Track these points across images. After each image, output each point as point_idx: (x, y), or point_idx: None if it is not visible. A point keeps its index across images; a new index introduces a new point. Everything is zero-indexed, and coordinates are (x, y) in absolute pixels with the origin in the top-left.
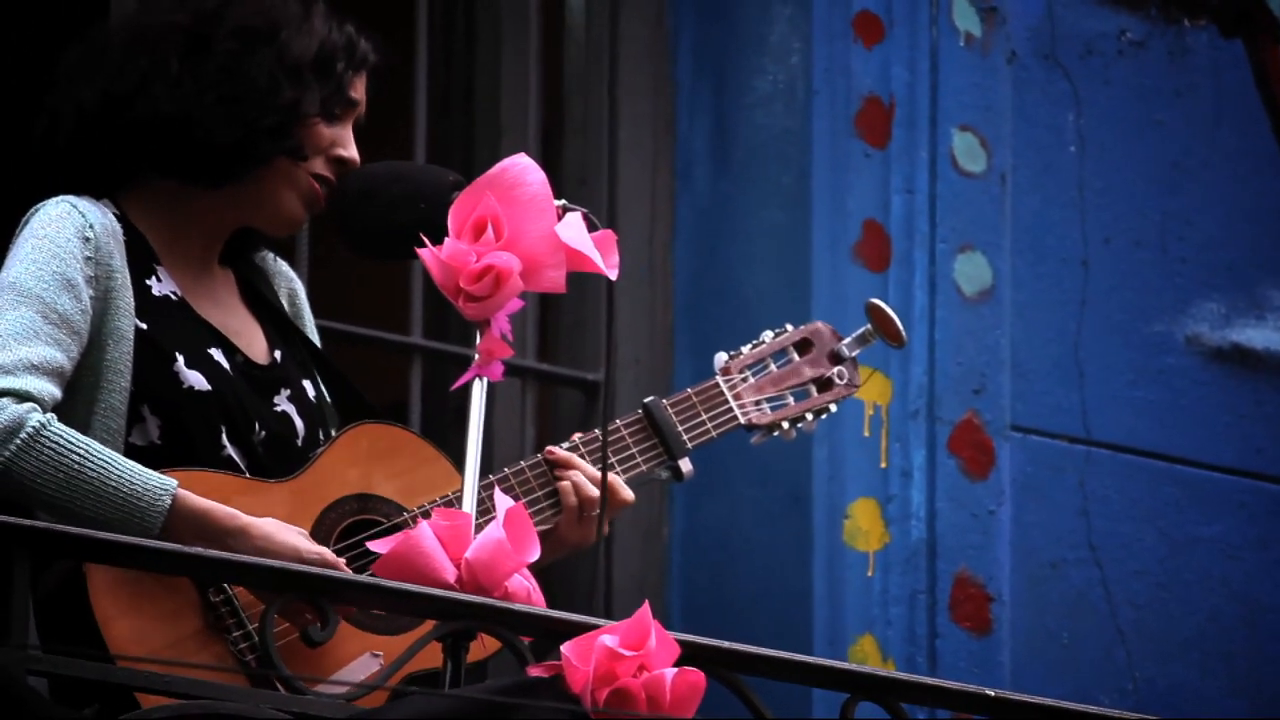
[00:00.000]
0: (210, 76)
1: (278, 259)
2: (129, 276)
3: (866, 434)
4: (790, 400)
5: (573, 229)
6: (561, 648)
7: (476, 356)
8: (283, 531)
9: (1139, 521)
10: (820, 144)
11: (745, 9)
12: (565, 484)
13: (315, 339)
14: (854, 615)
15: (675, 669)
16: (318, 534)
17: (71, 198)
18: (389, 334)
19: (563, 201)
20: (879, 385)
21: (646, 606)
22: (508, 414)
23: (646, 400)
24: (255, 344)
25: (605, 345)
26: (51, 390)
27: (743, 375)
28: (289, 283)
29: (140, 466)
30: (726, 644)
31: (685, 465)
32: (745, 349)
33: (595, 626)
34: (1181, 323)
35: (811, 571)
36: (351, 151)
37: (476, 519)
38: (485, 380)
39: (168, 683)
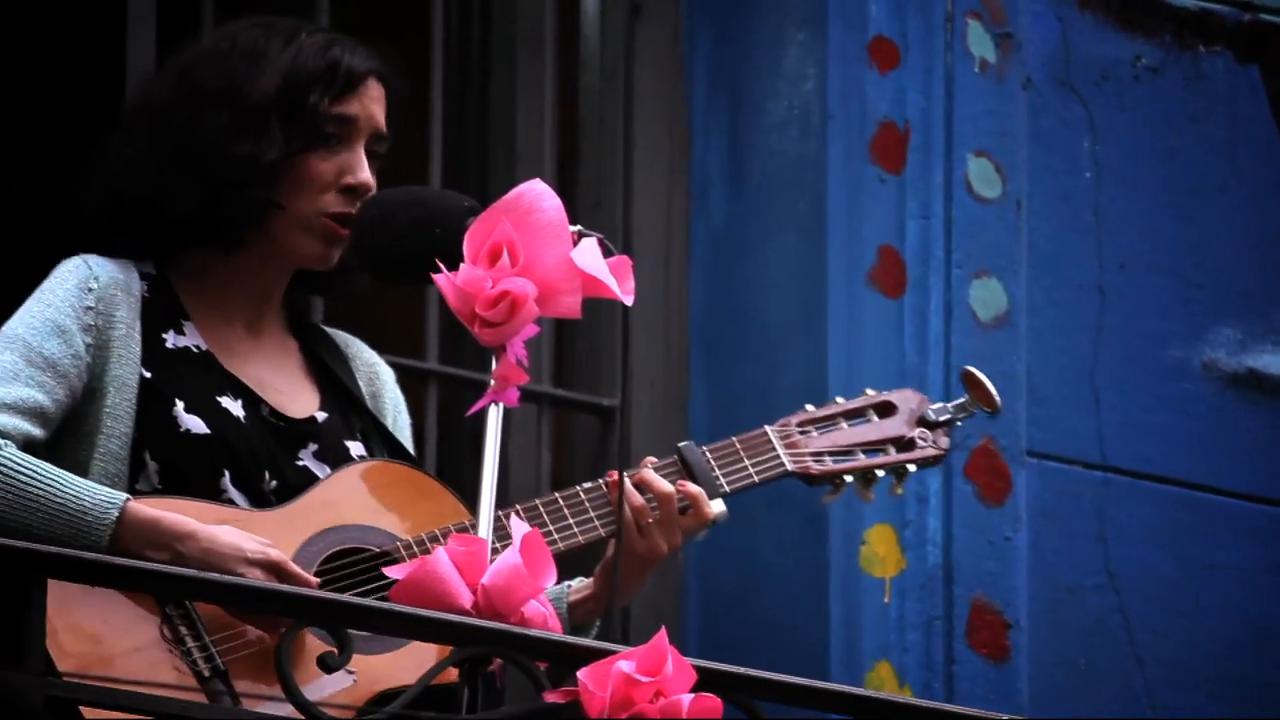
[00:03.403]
0: (168, 150)
1: (363, 345)
2: (139, 329)
3: None
4: (860, 456)
5: (588, 255)
6: (578, 674)
7: (492, 382)
8: (228, 533)
9: (1156, 547)
10: (835, 169)
11: (760, 33)
12: (613, 495)
13: (396, 422)
14: (870, 641)
15: (692, 695)
16: (300, 559)
17: (90, 255)
18: (404, 359)
19: (578, 227)
20: None
21: (663, 632)
22: (524, 439)
23: (681, 444)
24: (296, 401)
25: (621, 370)
26: (21, 426)
27: (803, 429)
28: (370, 368)
29: (92, 484)
30: (743, 670)
31: (716, 506)
32: (810, 407)
33: (612, 652)
34: (1198, 348)
35: (828, 597)
36: (360, 176)
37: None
38: (501, 406)
39: (184, 708)
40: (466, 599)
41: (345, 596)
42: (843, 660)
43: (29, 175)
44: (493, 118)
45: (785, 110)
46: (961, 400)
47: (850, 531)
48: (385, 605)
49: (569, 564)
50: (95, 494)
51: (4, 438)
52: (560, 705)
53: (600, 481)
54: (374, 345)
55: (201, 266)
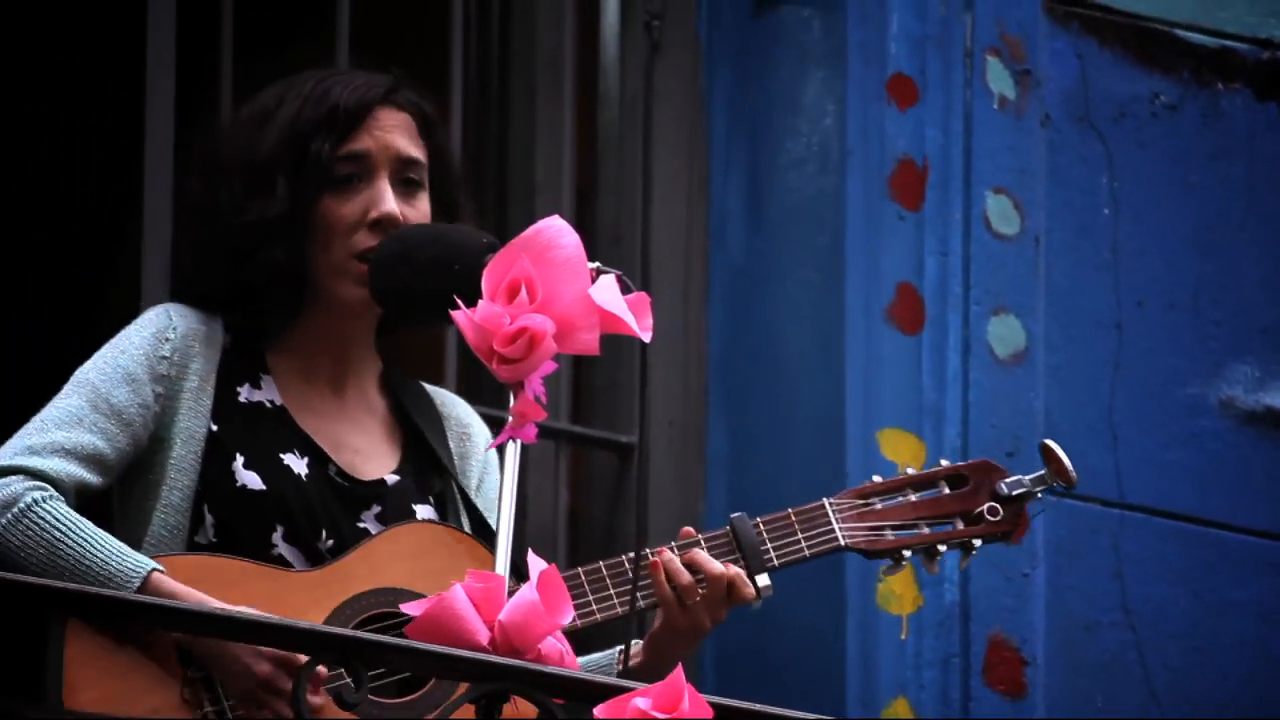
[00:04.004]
0: (196, 229)
1: (461, 404)
2: (213, 382)
3: None
4: (924, 530)
5: (606, 291)
6: (595, 710)
7: (510, 419)
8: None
9: (1173, 584)
10: (854, 205)
11: (780, 70)
12: (659, 575)
13: (482, 485)
14: (887, 678)
15: None
16: (335, 621)
17: (172, 304)
18: (424, 381)
19: (597, 264)
20: (911, 448)
21: (680, 669)
22: (542, 476)
23: (734, 515)
24: (370, 461)
25: (639, 407)
26: (75, 472)
27: (867, 500)
28: (464, 428)
29: (124, 548)
30: (760, 707)
31: (763, 580)
32: (878, 477)
33: (629, 689)
34: (1215, 385)
35: (845, 634)
36: (382, 208)
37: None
38: (518, 442)
39: None
40: (483, 635)
41: (361, 633)
42: (859, 697)
43: (29, 175)
44: (511, 152)
45: (804, 146)
46: (1039, 474)
47: (868, 568)
48: (401, 641)
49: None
50: (123, 560)
51: (54, 484)
52: None
53: (648, 551)
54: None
55: (280, 325)
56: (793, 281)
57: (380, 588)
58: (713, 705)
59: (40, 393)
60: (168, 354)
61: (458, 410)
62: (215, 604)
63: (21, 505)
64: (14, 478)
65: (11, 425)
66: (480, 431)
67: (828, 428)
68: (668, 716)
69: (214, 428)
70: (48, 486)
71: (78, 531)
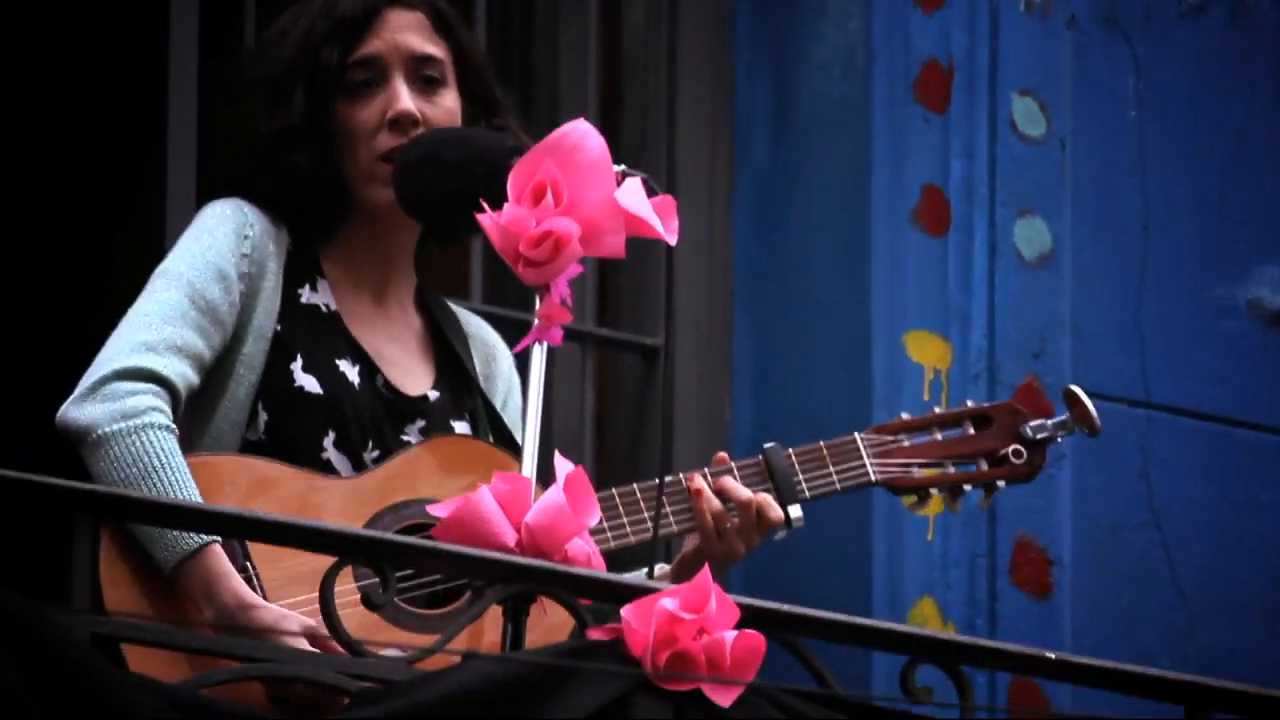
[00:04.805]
0: (225, 151)
1: (485, 325)
2: (281, 281)
3: (926, 398)
4: (950, 468)
5: (632, 194)
6: (621, 610)
7: (536, 322)
8: (266, 616)
9: (1200, 485)
10: (879, 110)
11: None
12: (700, 504)
13: (507, 404)
14: (914, 578)
15: (735, 632)
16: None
17: (242, 200)
18: (448, 299)
19: (622, 167)
20: (938, 349)
21: (706, 570)
22: (567, 379)
23: (767, 445)
24: (411, 377)
25: (665, 310)
26: (188, 374)
27: (895, 436)
28: (488, 348)
29: (201, 505)
30: (786, 607)
31: (794, 511)
32: (906, 414)
33: (655, 590)
34: (1242, 286)
35: (871, 535)
36: (398, 106)
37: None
38: (545, 345)
39: (228, 645)
40: (510, 537)
41: (387, 534)
42: (886, 597)
43: (29, 175)
44: (536, 63)
45: (829, 51)
46: (1062, 419)
47: None
48: (428, 543)
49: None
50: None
51: (169, 389)
52: (604, 642)
53: (680, 476)
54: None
55: (329, 233)
56: (818, 185)
57: (418, 498)
58: (740, 606)
59: (41, 392)
60: (248, 251)
61: (483, 331)
62: (248, 602)
63: (140, 421)
64: (144, 385)
65: (11, 425)
66: (504, 353)
67: (854, 331)
68: (694, 616)
69: (278, 327)
70: (167, 409)
71: (172, 473)
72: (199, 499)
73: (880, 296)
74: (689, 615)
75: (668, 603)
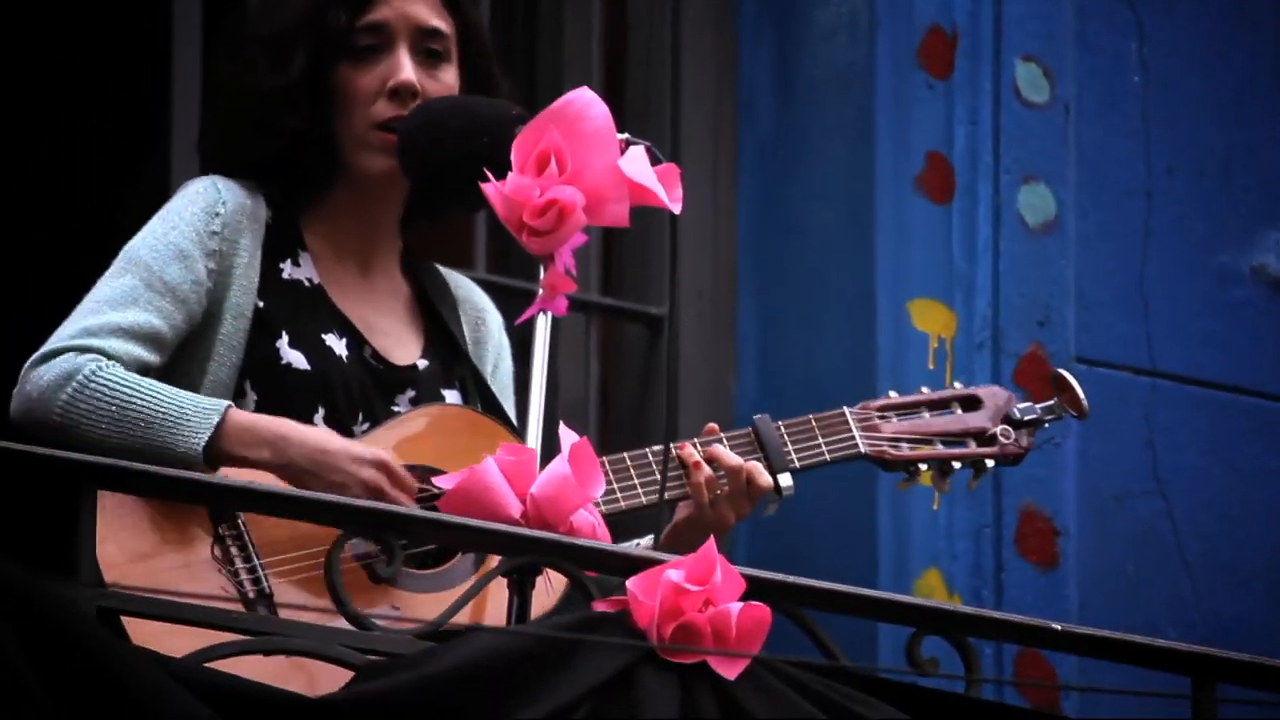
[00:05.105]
0: (220, 104)
1: (475, 288)
2: (259, 257)
3: (931, 366)
4: (939, 446)
5: (636, 163)
6: (627, 583)
7: (540, 291)
8: (332, 438)
9: (1205, 453)
10: (883, 76)
11: None
12: (692, 471)
13: (496, 370)
14: (919, 550)
15: (741, 604)
16: None
17: (218, 177)
18: (452, 268)
19: (626, 135)
20: (943, 317)
21: (712, 541)
22: (572, 348)
23: (756, 417)
24: (400, 346)
25: (669, 279)
26: (133, 350)
27: (884, 414)
28: (478, 313)
29: (194, 395)
30: (792, 579)
31: (784, 480)
32: (894, 393)
33: (661, 561)
34: (1247, 253)
35: (877, 506)
36: (399, 76)
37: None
38: (549, 315)
39: (235, 620)
40: (515, 509)
41: (394, 506)
42: (891, 568)
43: (29, 175)
44: (541, 28)
45: (833, 17)
46: (1050, 402)
47: None
48: (433, 515)
49: (637, 524)
50: (197, 403)
51: (109, 358)
52: (609, 614)
53: (670, 445)
54: (422, 254)
55: (318, 201)
56: (822, 153)
57: (409, 465)
58: (745, 578)
59: None
60: (218, 229)
61: (473, 295)
62: (293, 428)
63: (84, 375)
64: (69, 354)
65: (11, 425)
66: (494, 317)
67: (858, 298)
68: (700, 588)
69: (260, 304)
70: (101, 356)
71: (144, 387)
72: (184, 396)
73: (884, 264)
74: (694, 587)
75: (673, 574)
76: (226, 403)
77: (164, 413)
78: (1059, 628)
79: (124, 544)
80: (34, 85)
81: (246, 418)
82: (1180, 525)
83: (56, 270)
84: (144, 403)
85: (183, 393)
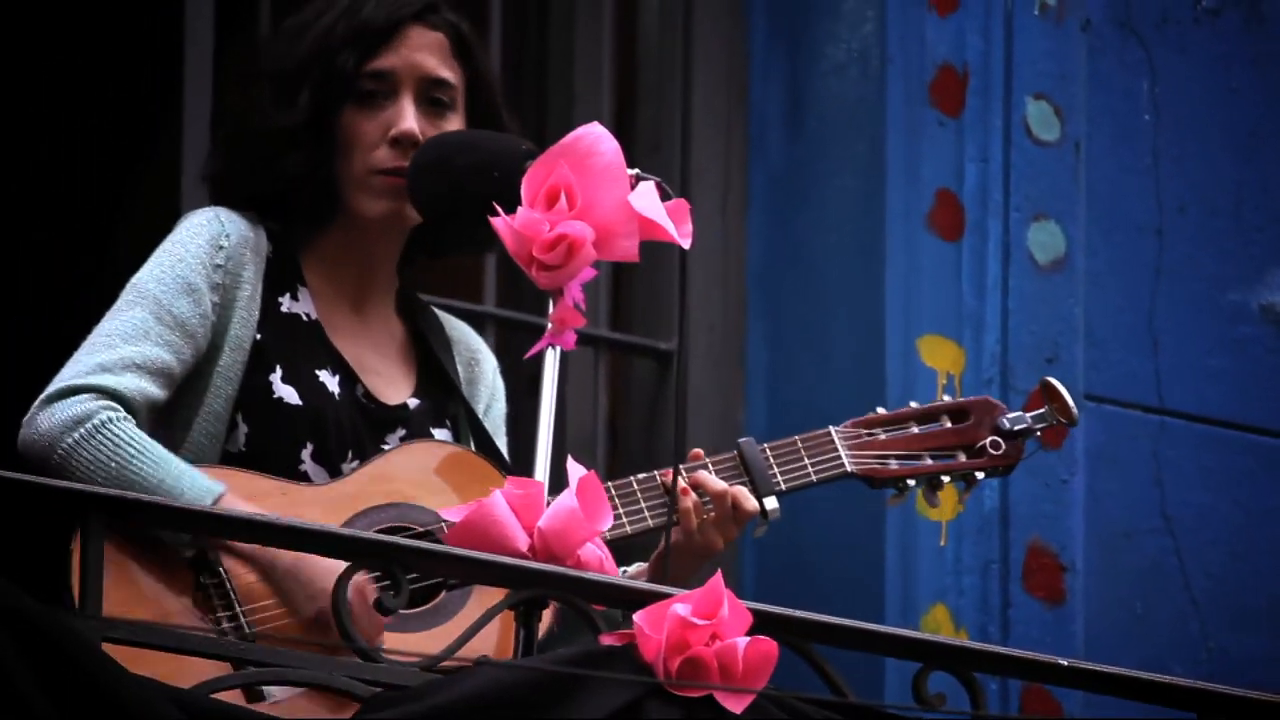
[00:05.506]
0: (226, 136)
1: (469, 331)
2: (261, 290)
3: None
4: (928, 460)
5: (646, 198)
6: (634, 616)
7: (549, 325)
8: (319, 562)
9: (1213, 491)
10: (894, 112)
11: None
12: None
13: (489, 410)
14: (926, 585)
15: (748, 638)
16: None
17: (221, 209)
18: (462, 303)
19: (636, 170)
20: (952, 353)
21: (719, 575)
22: (581, 382)
23: (741, 440)
24: (391, 385)
25: (678, 314)
26: (146, 388)
27: (871, 430)
28: (472, 354)
29: (194, 470)
30: (799, 613)
31: (770, 503)
32: (881, 409)
33: (668, 595)
34: (1256, 291)
35: (884, 541)
36: (402, 126)
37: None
38: (558, 349)
39: (242, 650)
40: (523, 542)
41: (402, 539)
42: (899, 604)
43: (29, 175)
44: (551, 60)
45: (844, 53)
46: (1040, 411)
47: None
48: (441, 548)
49: (622, 551)
50: (194, 481)
51: (123, 401)
52: (616, 648)
53: (655, 474)
54: (432, 289)
55: (319, 237)
56: (832, 188)
57: (392, 502)
58: (752, 612)
59: (40, 392)
60: (222, 262)
61: (467, 337)
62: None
63: (95, 422)
64: (86, 395)
65: (11, 425)
66: (488, 359)
67: (867, 335)
68: (707, 622)
69: (258, 336)
70: (119, 406)
71: (150, 452)
72: (183, 471)
73: (894, 300)
74: (701, 621)
75: (680, 608)
76: (222, 488)
77: (159, 482)
78: (1065, 663)
79: (108, 596)
80: (34, 85)
81: (240, 505)
82: (1188, 562)
83: (56, 270)
84: (143, 468)
85: (185, 467)
